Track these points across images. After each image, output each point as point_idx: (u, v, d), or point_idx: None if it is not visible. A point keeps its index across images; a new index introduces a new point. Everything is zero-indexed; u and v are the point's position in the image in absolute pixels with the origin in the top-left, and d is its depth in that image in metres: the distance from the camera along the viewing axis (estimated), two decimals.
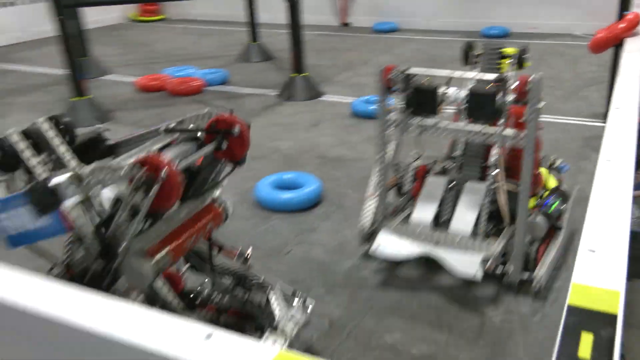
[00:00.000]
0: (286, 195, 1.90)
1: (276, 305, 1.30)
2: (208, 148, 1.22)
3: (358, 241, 1.62)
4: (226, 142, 1.27)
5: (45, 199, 1.09)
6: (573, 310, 0.78)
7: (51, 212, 1.10)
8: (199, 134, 1.27)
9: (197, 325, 0.75)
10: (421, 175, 1.69)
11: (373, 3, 5.09)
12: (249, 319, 1.33)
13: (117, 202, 1.13)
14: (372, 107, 2.77)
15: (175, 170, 1.04)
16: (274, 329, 1.27)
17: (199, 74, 3.48)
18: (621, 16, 2.51)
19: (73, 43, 2.79)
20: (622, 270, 0.85)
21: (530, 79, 1.39)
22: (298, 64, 3.13)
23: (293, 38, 3.09)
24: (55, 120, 1.28)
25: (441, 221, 1.59)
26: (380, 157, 1.60)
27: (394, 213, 1.67)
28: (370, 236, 1.59)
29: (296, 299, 1.35)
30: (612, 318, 0.77)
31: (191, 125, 1.33)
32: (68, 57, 2.76)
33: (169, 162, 1.03)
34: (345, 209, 1.91)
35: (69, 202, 1.10)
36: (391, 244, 1.53)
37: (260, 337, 1.29)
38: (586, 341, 0.74)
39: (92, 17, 5.45)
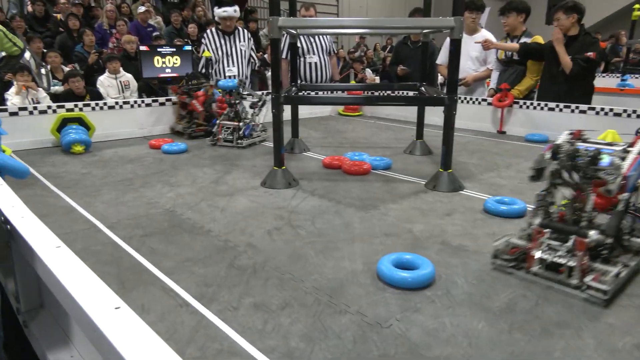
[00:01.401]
0: (401, 274, 1.69)
1: None
2: None
3: (454, 328, 1.39)
4: None
5: None
6: None
7: None
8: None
9: None
10: None
11: (528, 116, 4.63)
12: None
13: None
14: (503, 207, 2.43)
15: None
16: None
17: (369, 159, 3.44)
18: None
19: (280, 127, 2.91)
20: None
21: None
22: (446, 161, 2.90)
23: (444, 139, 2.89)
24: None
25: None
26: None
27: None
28: None
29: None
30: None
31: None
32: (276, 138, 2.93)
33: None
34: (451, 297, 1.63)
35: None
36: None
37: None
38: None
39: (312, 109, 5.86)
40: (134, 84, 6.62)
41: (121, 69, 6.71)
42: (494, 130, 4.88)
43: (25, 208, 1.42)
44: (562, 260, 1.60)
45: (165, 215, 2.38)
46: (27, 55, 6.03)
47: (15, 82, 5.55)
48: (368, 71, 10.48)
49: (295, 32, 3.66)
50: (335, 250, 2.00)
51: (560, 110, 4.29)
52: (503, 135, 4.74)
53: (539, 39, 4.64)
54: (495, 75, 5.02)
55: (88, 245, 2.01)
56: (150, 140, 4.08)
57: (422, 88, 3.67)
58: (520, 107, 4.65)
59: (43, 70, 6.36)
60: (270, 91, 2.78)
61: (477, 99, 4.99)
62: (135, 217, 2.36)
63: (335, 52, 6.34)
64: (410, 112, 4.50)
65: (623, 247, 1.66)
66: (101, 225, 2.23)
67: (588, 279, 1.54)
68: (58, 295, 1.07)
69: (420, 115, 3.91)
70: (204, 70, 5.15)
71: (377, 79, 10.24)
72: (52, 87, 6.10)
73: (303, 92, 5.15)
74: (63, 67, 6.86)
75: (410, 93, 5.05)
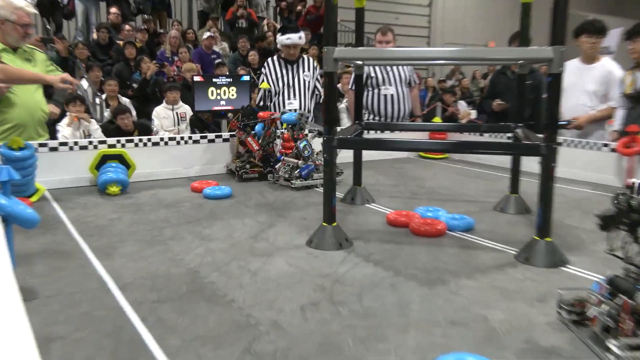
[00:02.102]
0: None
1: None
2: None
3: None
4: None
5: None
6: None
7: None
8: None
9: None
10: None
11: None
12: None
13: None
14: None
15: None
16: None
17: (445, 217, 3.24)
18: None
19: (332, 176, 2.84)
20: None
21: None
22: (543, 226, 2.62)
23: (541, 197, 2.62)
24: None
25: None
26: None
27: None
28: None
29: None
30: None
31: None
32: (327, 188, 2.85)
33: None
34: None
35: None
36: None
37: None
38: None
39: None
40: (190, 116, 6.98)
41: (179, 99, 7.13)
42: (619, 184, 4.42)
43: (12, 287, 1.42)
44: (606, 319, 1.71)
45: (186, 276, 2.36)
46: (85, 84, 6.65)
47: (68, 113, 6.08)
48: (461, 104, 10.24)
49: (360, 62, 3.64)
50: (381, 340, 1.82)
51: None
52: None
53: None
54: (620, 114, 4.61)
55: (92, 309, 2.03)
56: (193, 182, 4.20)
57: (518, 130, 3.43)
58: None
59: (97, 100, 6.94)
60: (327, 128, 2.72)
61: (595, 144, 4.59)
62: (153, 276, 2.37)
63: (417, 82, 6.26)
64: (507, 157, 4.22)
65: None
66: (113, 285, 2.26)
67: (614, 342, 1.60)
68: None
69: (515, 164, 3.64)
70: (261, 104, 5.29)
71: (473, 114, 9.95)
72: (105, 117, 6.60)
73: (373, 130, 5.09)
74: (120, 96, 7.44)
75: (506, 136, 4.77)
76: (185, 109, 7.10)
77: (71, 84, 3.93)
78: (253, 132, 4.55)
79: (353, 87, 5.49)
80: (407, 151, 5.83)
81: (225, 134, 4.89)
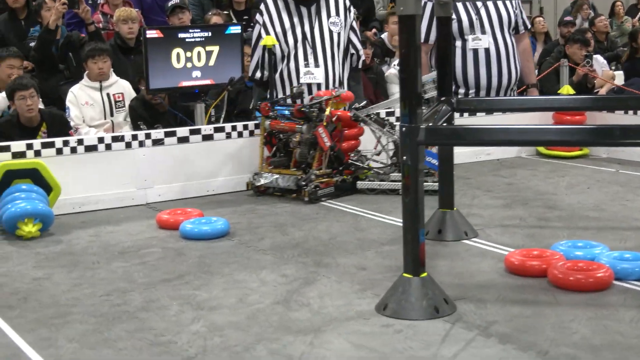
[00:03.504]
0: None
1: None
2: None
3: None
4: None
5: None
6: None
7: None
8: None
9: None
10: None
11: None
12: None
13: None
14: None
15: None
16: None
17: (607, 257, 3.25)
18: None
19: (417, 191, 2.87)
20: None
21: None
22: None
23: None
24: None
25: None
26: None
27: None
28: None
29: None
30: None
31: None
32: (409, 213, 2.87)
33: None
34: None
35: None
36: None
37: None
38: None
39: (479, 147, 5.77)
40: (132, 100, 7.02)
41: (112, 71, 7.18)
42: None
43: None
44: None
45: None
46: None
47: None
48: (598, 60, 10.15)
49: None
50: None
51: None
52: None
53: None
54: None
55: None
56: (160, 213, 4.27)
57: None
58: None
59: None
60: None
61: None
62: None
63: (529, 27, 6.30)
64: None
65: None
66: None
67: None
68: None
69: None
70: (258, 75, 5.38)
71: (619, 76, 9.89)
72: None
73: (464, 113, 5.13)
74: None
75: None
76: (121, 87, 7.11)
77: None
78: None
79: (424, 39, 5.54)
80: (526, 145, 5.85)
81: (206, 128, 5.03)
